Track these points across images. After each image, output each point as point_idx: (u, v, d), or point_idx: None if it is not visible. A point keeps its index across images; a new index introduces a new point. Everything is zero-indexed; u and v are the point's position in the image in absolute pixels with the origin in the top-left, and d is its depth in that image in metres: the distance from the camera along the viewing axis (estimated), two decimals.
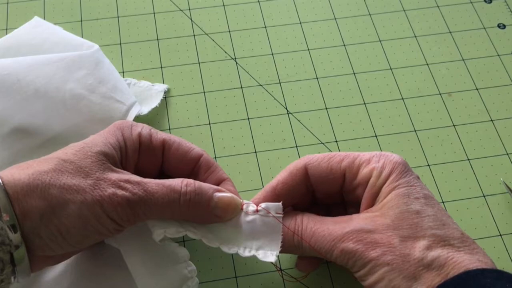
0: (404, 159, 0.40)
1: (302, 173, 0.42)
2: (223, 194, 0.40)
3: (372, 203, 0.40)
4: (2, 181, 0.35)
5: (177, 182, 0.39)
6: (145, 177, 0.40)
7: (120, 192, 0.37)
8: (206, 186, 0.40)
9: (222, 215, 0.40)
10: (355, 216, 0.39)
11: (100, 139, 0.39)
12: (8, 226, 0.34)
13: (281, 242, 0.41)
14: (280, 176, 0.42)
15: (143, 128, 0.42)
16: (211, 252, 0.46)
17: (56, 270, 0.43)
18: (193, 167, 0.43)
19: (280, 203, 0.41)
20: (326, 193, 0.43)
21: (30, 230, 0.35)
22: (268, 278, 0.45)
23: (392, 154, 0.40)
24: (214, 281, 0.45)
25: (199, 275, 0.43)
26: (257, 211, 0.41)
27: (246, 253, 0.41)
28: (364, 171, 0.40)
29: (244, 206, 0.41)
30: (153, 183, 0.38)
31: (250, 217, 0.41)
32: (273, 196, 0.42)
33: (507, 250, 0.47)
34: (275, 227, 0.41)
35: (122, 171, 0.39)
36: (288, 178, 0.42)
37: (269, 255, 0.40)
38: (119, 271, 0.42)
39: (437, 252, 0.36)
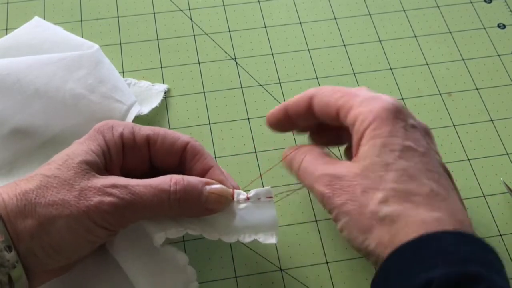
0: (397, 103, 0.38)
1: (308, 101, 0.41)
2: (213, 186, 0.40)
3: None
4: None
5: (165, 181, 0.38)
6: (133, 173, 0.40)
7: (106, 199, 0.36)
8: (195, 181, 0.39)
9: (214, 207, 0.40)
10: (343, 161, 0.39)
11: (82, 147, 0.39)
12: (5, 247, 0.34)
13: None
14: (294, 97, 0.43)
15: (125, 128, 0.41)
16: (211, 252, 0.46)
17: None
18: (181, 155, 0.42)
19: (269, 187, 0.42)
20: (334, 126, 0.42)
21: (25, 250, 0.35)
22: (268, 278, 0.45)
23: (385, 98, 0.38)
24: (214, 281, 0.45)
25: (199, 275, 0.43)
26: (247, 198, 0.41)
27: (246, 239, 0.41)
28: (352, 113, 0.39)
29: (235, 195, 0.41)
30: (141, 185, 0.38)
31: (243, 204, 0.41)
32: (283, 112, 0.43)
33: (507, 250, 0.47)
34: (270, 209, 0.41)
35: (107, 176, 0.38)
36: (297, 100, 0.42)
37: (269, 237, 0.41)
38: (119, 271, 0.42)
39: (392, 208, 0.35)
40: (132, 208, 0.37)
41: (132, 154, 0.41)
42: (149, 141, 0.41)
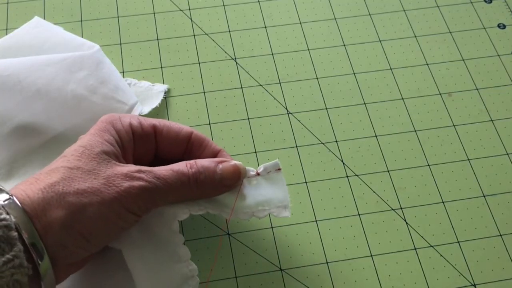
0: None
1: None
2: (225, 164, 0.41)
3: None
4: (18, 200, 0.34)
5: (182, 165, 0.40)
6: (141, 164, 0.40)
7: (136, 183, 0.37)
8: (206, 162, 0.41)
9: (230, 183, 0.41)
10: None
11: (96, 138, 0.39)
12: (29, 244, 0.33)
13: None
14: None
15: (132, 118, 0.42)
16: (211, 252, 0.46)
17: None
18: (186, 147, 0.43)
19: (277, 160, 0.43)
20: None
21: (54, 243, 0.35)
22: (268, 278, 0.45)
23: None
24: (214, 281, 0.45)
25: (199, 275, 0.43)
26: (258, 174, 0.43)
27: (261, 214, 0.42)
28: None
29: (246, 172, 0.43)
30: (162, 170, 0.39)
31: (254, 181, 0.43)
32: None
33: (507, 250, 0.47)
34: (280, 182, 0.43)
35: (128, 164, 0.39)
36: None
37: (282, 210, 0.42)
38: (120, 270, 0.42)
39: None
40: (160, 191, 0.38)
41: (140, 144, 0.42)
42: (155, 131, 0.42)
